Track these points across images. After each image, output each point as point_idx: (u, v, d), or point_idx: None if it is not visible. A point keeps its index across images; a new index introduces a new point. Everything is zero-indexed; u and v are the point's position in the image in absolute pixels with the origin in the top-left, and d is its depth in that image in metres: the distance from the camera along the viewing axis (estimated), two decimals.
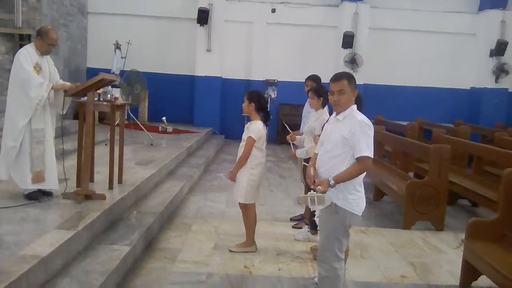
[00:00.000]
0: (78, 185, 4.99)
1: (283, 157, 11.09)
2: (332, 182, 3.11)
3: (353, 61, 12.92)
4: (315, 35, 13.51)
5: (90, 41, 13.37)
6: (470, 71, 13.69)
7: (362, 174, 3.27)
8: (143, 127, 10.03)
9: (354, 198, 3.24)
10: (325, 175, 3.28)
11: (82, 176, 4.81)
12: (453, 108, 13.80)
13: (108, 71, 11.98)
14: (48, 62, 4.87)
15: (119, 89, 10.38)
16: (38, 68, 4.65)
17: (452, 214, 6.53)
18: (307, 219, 5.55)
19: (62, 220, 4.08)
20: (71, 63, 12.17)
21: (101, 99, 5.37)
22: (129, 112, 10.26)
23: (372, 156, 3.18)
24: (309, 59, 13.15)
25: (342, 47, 12.93)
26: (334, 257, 3.27)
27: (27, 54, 4.60)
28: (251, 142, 4.65)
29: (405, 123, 10.85)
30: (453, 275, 4.42)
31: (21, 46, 11.47)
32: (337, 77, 3.33)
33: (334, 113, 3.42)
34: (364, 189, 3.34)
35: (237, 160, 4.72)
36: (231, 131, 13.05)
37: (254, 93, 4.83)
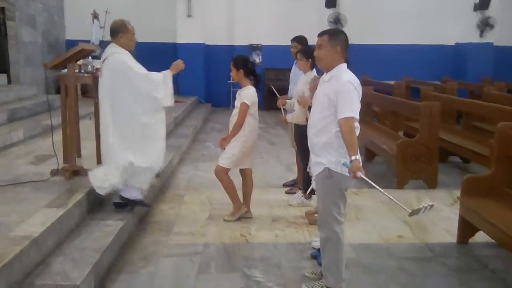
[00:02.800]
0: (65, 161, 4.87)
1: (272, 123, 10.99)
2: (356, 157, 3.03)
3: (337, 21, 12.71)
4: None
5: (67, 11, 12.92)
6: (455, 27, 13.52)
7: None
8: None
9: (348, 160, 3.17)
10: (316, 137, 3.21)
11: (68, 152, 4.68)
12: (439, 65, 13.71)
13: (87, 42, 11.66)
14: None
15: (98, 60, 10.14)
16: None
17: (445, 171, 6.54)
18: (300, 184, 5.52)
19: (52, 198, 3.97)
20: (49, 35, 11.80)
21: (82, 71, 5.17)
22: None
23: (355, 116, 3.06)
24: (293, 21, 12.85)
25: (325, 6, 12.71)
26: (334, 221, 3.22)
27: (128, 56, 4.22)
28: (245, 108, 4.54)
29: (392, 82, 10.78)
30: (450, 233, 4.43)
31: (1, 20, 11.19)
32: (321, 32, 3.27)
33: (324, 75, 3.33)
34: None
35: (231, 128, 4.61)
36: (217, 99, 12.87)
37: (239, 59, 4.68)
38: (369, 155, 7.28)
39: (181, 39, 12.71)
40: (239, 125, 4.56)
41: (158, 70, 4.40)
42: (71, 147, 4.64)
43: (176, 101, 4.71)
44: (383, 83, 11.49)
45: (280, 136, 9.52)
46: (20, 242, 3.06)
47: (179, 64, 4.51)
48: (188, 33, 12.66)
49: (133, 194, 4.36)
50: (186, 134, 8.54)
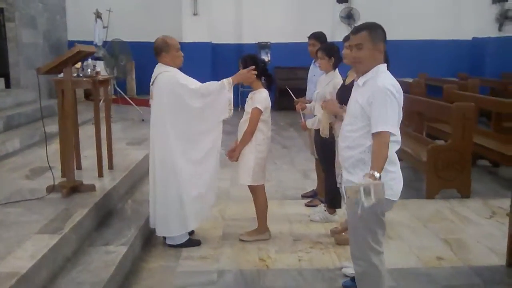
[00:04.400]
0: (63, 174, 4.40)
1: (284, 124, 10.49)
2: (376, 174, 2.42)
3: (349, 16, 12.17)
4: None
5: (69, 11, 12.45)
6: (472, 20, 12.88)
7: (394, 149, 2.67)
8: (131, 102, 9.37)
9: (385, 180, 2.65)
10: (348, 151, 2.72)
11: (65, 166, 4.21)
12: (454, 61, 13.10)
13: (90, 43, 11.21)
14: None
15: (102, 62, 9.70)
16: None
17: (475, 177, 5.96)
18: (322, 195, 5.02)
19: (46, 221, 3.49)
20: (50, 36, 11.33)
21: (81, 75, 4.71)
22: (115, 86, 9.59)
23: (391, 130, 2.53)
24: (303, 17, 12.34)
25: (337, 1, 12.17)
26: (371, 252, 2.72)
27: (178, 73, 3.88)
28: (258, 114, 4.04)
29: (410, 80, 10.22)
30: (495, 252, 3.91)
31: (3, 24, 10.76)
32: (357, 29, 2.73)
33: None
34: None
35: (240, 137, 4.12)
36: None
37: (249, 58, 4.15)
38: None
39: (187, 38, 12.20)
40: (250, 133, 4.06)
41: None
42: (69, 160, 4.17)
43: None
44: (400, 81, 10.88)
45: (293, 138, 9.01)
46: (5, 281, 2.58)
47: (247, 74, 4.00)
48: (194, 31, 12.19)
49: (178, 239, 4.02)
50: None
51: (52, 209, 3.75)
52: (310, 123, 4.38)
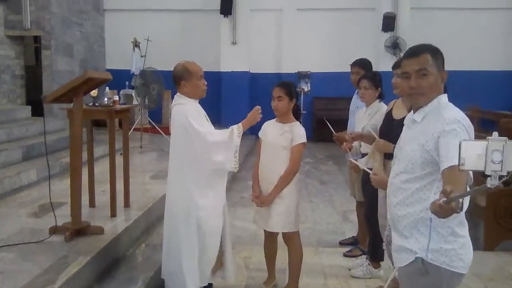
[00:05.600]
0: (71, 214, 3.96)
1: (322, 157, 9.87)
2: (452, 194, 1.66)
3: (395, 46, 11.55)
4: (350, 19, 12.16)
5: (108, 40, 12.44)
6: None
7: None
8: (161, 131, 9.01)
9: (454, 247, 2.04)
10: (402, 208, 2.12)
11: (72, 206, 3.76)
12: (508, 93, 12.22)
13: (128, 72, 11.08)
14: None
15: (133, 91, 9.46)
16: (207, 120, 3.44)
17: None
18: (363, 244, 4.37)
19: (38, 271, 3.03)
20: (88, 64, 11.25)
21: (97, 104, 4.32)
22: (147, 115, 9.31)
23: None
24: (345, 46, 11.80)
25: (382, 30, 11.58)
26: None
27: (192, 108, 3.32)
28: (302, 150, 3.51)
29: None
30: None
31: (36, 49, 10.82)
32: (415, 51, 2.15)
33: (412, 112, 2.24)
34: None
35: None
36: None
37: (293, 86, 3.61)
38: None
39: (225, 67, 11.98)
40: (293, 173, 3.50)
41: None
42: (75, 200, 3.71)
43: None
44: None
45: (331, 173, 8.38)
46: None
47: (256, 115, 3.47)
48: (232, 61, 11.94)
49: None
50: None
51: (49, 256, 3.30)
52: (363, 163, 3.70)
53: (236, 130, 3.32)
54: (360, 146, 3.87)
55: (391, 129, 3.33)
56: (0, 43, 9.00)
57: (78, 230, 3.67)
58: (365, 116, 3.96)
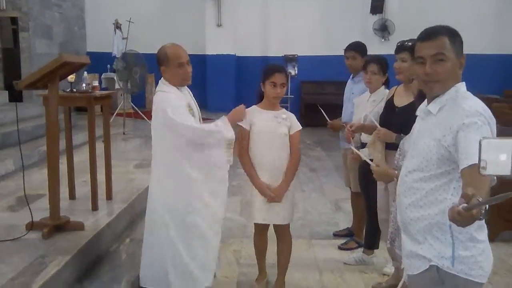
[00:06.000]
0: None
1: (310, 142, 9.64)
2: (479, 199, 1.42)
3: (383, 28, 11.32)
4: (338, 1, 11.88)
5: (88, 21, 11.98)
6: None
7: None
8: (145, 117, 8.71)
9: (473, 254, 1.84)
10: (414, 210, 1.90)
11: (50, 200, 3.50)
12: (499, 77, 12.09)
13: (109, 54, 10.71)
14: (190, 94, 3.27)
15: (114, 74, 9.12)
16: (190, 110, 3.10)
17: None
18: (359, 236, 4.20)
19: (13, 274, 2.78)
20: (68, 47, 10.81)
21: (74, 90, 4.02)
22: (130, 100, 8.99)
23: None
24: (333, 29, 11.53)
25: (370, 12, 11.34)
26: None
27: (172, 95, 3.01)
28: (299, 137, 3.31)
29: None
30: None
31: (14, 31, 10.35)
32: (431, 34, 1.92)
33: (425, 101, 2.02)
34: None
35: (287, 169, 3.25)
36: None
37: (282, 69, 3.35)
38: None
39: (210, 50, 11.68)
40: (299, 160, 3.33)
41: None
42: (53, 193, 3.45)
43: (204, 119, 3.44)
44: None
45: (321, 159, 8.17)
46: None
47: (240, 115, 3.24)
48: (217, 43, 11.66)
49: None
50: None
51: (25, 255, 3.05)
52: (365, 153, 3.46)
53: (220, 122, 3.08)
54: (361, 134, 3.66)
55: (392, 118, 3.13)
56: None
57: (57, 226, 3.41)
58: (368, 103, 3.72)
